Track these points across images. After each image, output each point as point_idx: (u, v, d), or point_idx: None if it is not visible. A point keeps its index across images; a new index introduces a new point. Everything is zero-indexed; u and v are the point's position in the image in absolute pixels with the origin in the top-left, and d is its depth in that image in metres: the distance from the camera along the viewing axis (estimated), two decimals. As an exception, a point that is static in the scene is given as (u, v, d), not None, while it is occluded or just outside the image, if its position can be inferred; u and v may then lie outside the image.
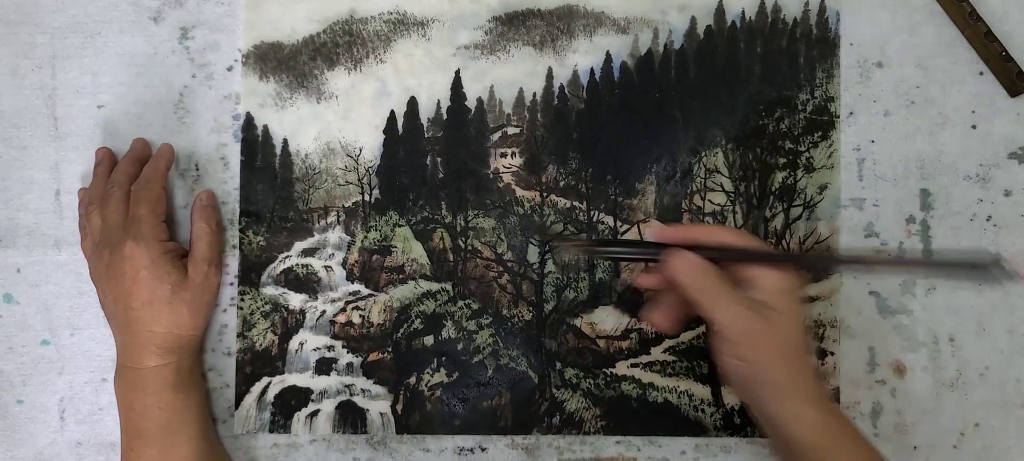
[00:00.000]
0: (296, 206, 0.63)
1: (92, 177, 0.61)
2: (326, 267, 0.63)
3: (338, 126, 0.63)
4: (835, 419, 0.50)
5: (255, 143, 0.63)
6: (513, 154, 0.63)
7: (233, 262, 0.63)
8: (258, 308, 0.63)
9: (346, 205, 0.63)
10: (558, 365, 0.62)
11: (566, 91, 0.63)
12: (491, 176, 0.63)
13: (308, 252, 0.63)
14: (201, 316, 0.58)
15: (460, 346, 0.63)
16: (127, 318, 0.56)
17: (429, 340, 0.63)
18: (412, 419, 0.62)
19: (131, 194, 0.58)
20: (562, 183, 0.63)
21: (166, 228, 0.58)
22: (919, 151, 0.63)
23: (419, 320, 0.63)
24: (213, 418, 0.62)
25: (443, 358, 0.62)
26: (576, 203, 0.63)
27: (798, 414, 0.49)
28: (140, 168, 0.60)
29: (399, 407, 0.62)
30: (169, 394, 0.57)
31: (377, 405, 0.62)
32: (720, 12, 0.63)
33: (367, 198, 0.63)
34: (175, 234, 0.62)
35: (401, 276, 0.63)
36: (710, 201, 0.63)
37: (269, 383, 0.62)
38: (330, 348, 0.63)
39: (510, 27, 0.63)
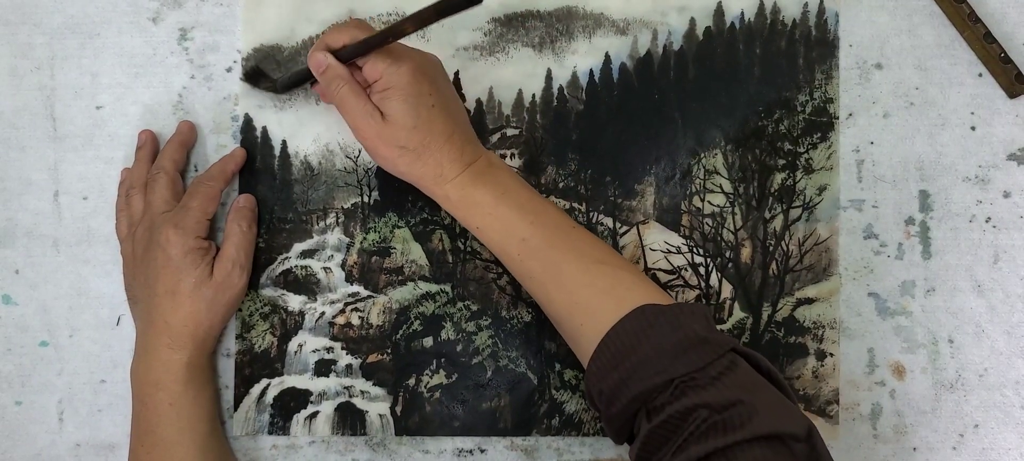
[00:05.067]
0: (295, 207, 0.63)
1: (135, 160, 0.62)
2: (325, 268, 0.63)
3: (337, 128, 0.63)
4: (470, 188, 0.55)
5: (254, 144, 0.63)
6: (512, 155, 0.63)
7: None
8: (257, 309, 0.63)
9: (345, 206, 0.63)
10: (557, 366, 0.62)
11: (565, 92, 0.63)
12: (490, 177, 0.63)
13: (307, 253, 0.63)
14: (218, 315, 0.58)
15: (459, 348, 0.62)
16: (148, 304, 0.57)
17: (428, 341, 0.62)
18: (411, 421, 0.62)
19: (190, 185, 0.59)
20: (561, 184, 0.63)
21: (209, 226, 0.59)
22: (918, 152, 0.63)
23: (418, 322, 0.63)
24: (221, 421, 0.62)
25: (442, 359, 0.62)
26: (575, 204, 0.63)
27: (439, 194, 0.55)
28: (185, 154, 0.61)
29: (398, 409, 0.62)
30: (179, 388, 0.57)
31: (376, 407, 0.62)
32: (719, 13, 0.63)
33: (366, 199, 0.63)
34: (214, 236, 0.62)
35: (400, 278, 0.63)
36: (709, 202, 0.63)
37: (268, 385, 0.62)
38: (329, 350, 0.63)
39: (509, 28, 0.63)
